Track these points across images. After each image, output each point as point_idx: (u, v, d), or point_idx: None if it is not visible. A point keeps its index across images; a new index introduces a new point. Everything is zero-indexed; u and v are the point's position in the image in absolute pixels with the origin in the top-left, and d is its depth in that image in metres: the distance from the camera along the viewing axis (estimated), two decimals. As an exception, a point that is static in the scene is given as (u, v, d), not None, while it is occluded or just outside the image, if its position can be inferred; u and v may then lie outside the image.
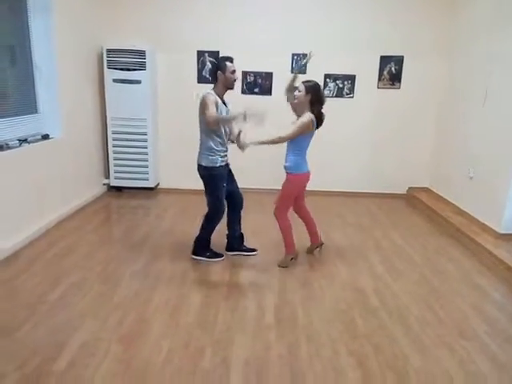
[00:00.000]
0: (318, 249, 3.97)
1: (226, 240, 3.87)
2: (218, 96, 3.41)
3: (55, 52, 4.35)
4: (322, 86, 3.40)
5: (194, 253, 3.75)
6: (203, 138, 3.47)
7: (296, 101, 3.39)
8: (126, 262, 3.64)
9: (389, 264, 3.80)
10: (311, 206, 5.41)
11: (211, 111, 3.26)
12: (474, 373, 2.39)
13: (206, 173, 3.50)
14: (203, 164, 3.48)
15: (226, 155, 3.56)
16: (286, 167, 3.52)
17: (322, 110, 3.40)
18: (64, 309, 2.88)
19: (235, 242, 3.86)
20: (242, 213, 3.83)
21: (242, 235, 3.89)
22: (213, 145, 3.43)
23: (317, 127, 3.40)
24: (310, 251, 3.95)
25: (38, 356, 2.39)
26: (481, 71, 4.66)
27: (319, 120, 3.38)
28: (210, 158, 3.45)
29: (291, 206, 3.67)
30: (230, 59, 3.45)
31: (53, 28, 4.28)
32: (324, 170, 5.88)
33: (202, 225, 3.70)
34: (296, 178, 3.51)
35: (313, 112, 3.33)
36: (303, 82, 3.40)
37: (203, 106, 3.32)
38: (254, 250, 3.91)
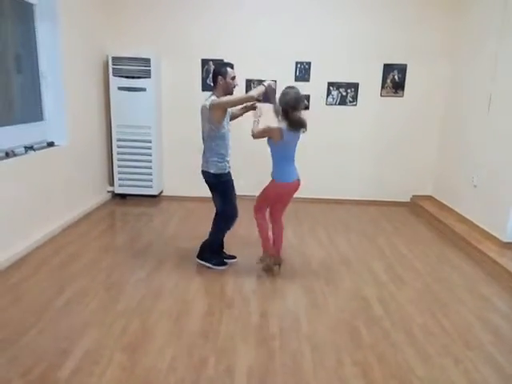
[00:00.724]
0: (276, 266, 3.72)
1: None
2: None
3: (61, 60, 4.40)
4: (298, 92, 3.31)
5: (201, 257, 3.76)
6: (211, 145, 3.43)
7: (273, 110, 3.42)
8: (130, 270, 3.65)
9: (392, 272, 3.79)
10: (315, 214, 5.43)
11: (228, 97, 3.35)
12: (478, 383, 2.38)
13: (215, 180, 3.48)
14: (212, 171, 3.45)
15: (229, 160, 3.57)
16: (271, 174, 3.56)
17: (297, 114, 3.31)
18: (69, 316, 2.89)
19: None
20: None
21: (222, 242, 3.88)
22: (222, 150, 3.44)
23: (298, 130, 3.35)
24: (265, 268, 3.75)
25: (43, 363, 2.40)
26: (484, 78, 4.67)
27: (298, 125, 3.32)
28: (220, 164, 3.45)
29: (265, 209, 3.65)
30: (231, 65, 3.48)
31: (58, 36, 4.33)
32: (328, 178, 5.90)
33: (213, 230, 3.71)
34: (276, 184, 3.49)
35: (287, 118, 3.30)
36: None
37: (219, 105, 3.31)
38: (233, 257, 3.91)
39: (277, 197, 3.57)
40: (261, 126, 3.37)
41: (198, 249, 3.80)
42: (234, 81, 3.44)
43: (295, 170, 3.50)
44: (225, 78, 3.38)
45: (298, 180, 3.51)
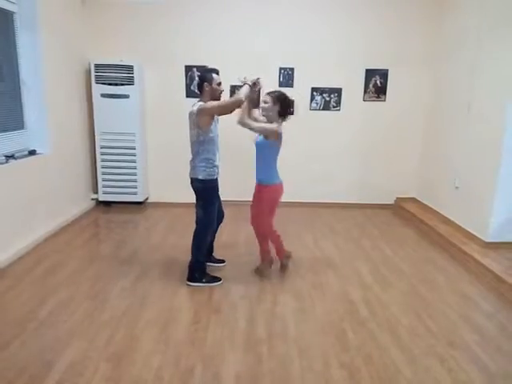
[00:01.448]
0: (289, 260, 3.83)
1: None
2: None
3: (42, 68, 4.36)
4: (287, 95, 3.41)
5: (190, 279, 3.53)
6: (199, 150, 3.35)
7: (264, 113, 3.41)
8: (115, 278, 3.60)
9: (378, 274, 3.82)
10: (301, 218, 5.45)
11: (223, 101, 3.39)
12: (464, 382, 2.41)
13: (202, 186, 3.40)
14: (200, 177, 3.37)
15: (218, 167, 3.50)
16: (259, 180, 3.50)
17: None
18: (52, 326, 2.84)
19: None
20: (222, 226, 3.82)
21: (212, 247, 3.87)
22: (210, 155, 3.37)
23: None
24: (282, 268, 3.82)
25: (26, 375, 2.35)
26: (464, 82, 4.76)
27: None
28: (208, 170, 3.38)
29: (273, 220, 3.61)
30: (216, 71, 3.47)
31: (39, 44, 4.29)
32: (312, 182, 5.93)
33: (194, 246, 3.52)
34: (275, 188, 3.48)
35: (283, 121, 3.37)
36: (269, 93, 3.39)
37: (209, 110, 3.27)
38: (222, 262, 3.91)
39: (275, 203, 3.53)
40: (262, 124, 3.35)
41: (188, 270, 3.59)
42: (220, 86, 3.44)
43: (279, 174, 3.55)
44: (211, 84, 3.37)
45: (282, 183, 3.55)
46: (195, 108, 3.31)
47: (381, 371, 2.47)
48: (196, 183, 3.42)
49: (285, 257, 3.78)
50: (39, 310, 3.03)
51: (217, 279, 3.58)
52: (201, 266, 3.57)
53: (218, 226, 3.77)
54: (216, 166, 3.44)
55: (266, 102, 3.37)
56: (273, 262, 3.78)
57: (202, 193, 3.44)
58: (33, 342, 2.66)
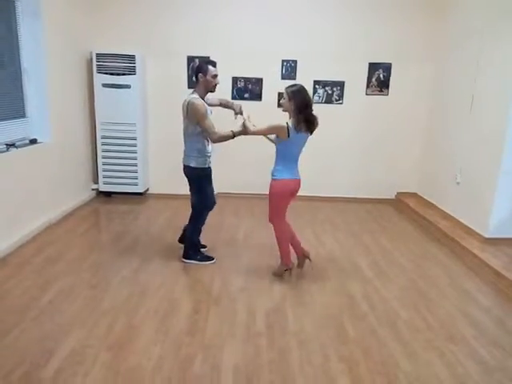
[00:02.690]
0: (304, 261, 3.71)
1: (182, 232, 3.94)
2: (201, 98, 3.43)
3: (44, 56, 4.33)
4: (307, 89, 3.26)
5: (185, 256, 3.76)
6: (192, 141, 3.47)
7: (282, 109, 3.31)
8: (116, 268, 3.61)
9: (378, 269, 3.83)
10: (301, 211, 5.45)
11: (210, 126, 3.34)
12: (462, 376, 2.42)
13: (194, 173, 3.54)
14: (192, 165, 3.50)
15: (211, 156, 3.60)
16: (271, 173, 3.44)
17: (314, 113, 3.26)
18: (53, 315, 2.85)
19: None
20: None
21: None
22: (202, 146, 3.48)
23: (311, 132, 3.29)
24: (299, 266, 3.71)
25: (26, 363, 2.36)
26: (467, 77, 4.74)
27: (311, 124, 3.24)
28: (200, 159, 3.50)
29: (284, 213, 3.52)
30: (213, 63, 3.47)
31: (41, 32, 4.26)
32: (314, 176, 5.90)
33: (190, 228, 3.74)
34: (278, 183, 3.37)
35: (298, 117, 3.19)
36: (286, 88, 3.25)
37: (196, 114, 3.32)
38: (204, 247, 3.96)
39: (285, 197, 3.42)
40: (262, 125, 3.28)
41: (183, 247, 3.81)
42: (216, 79, 3.44)
43: (297, 171, 3.44)
44: (205, 75, 3.39)
45: (299, 180, 3.45)
46: (187, 100, 3.36)
47: (379, 365, 2.48)
48: (188, 170, 3.55)
49: (302, 256, 3.67)
50: (40, 298, 3.04)
51: (210, 258, 3.78)
52: (195, 246, 3.79)
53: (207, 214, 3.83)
54: (207, 156, 3.54)
55: (283, 98, 3.26)
56: (290, 266, 3.59)
57: (194, 179, 3.58)
58: (33, 331, 2.67)
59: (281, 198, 3.43)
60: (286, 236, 3.52)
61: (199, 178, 3.58)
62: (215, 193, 3.77)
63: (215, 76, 3.42)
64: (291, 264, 3.59)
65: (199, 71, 3.41)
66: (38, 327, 2.71)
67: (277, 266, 3.63)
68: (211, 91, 3.48)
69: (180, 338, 2.66)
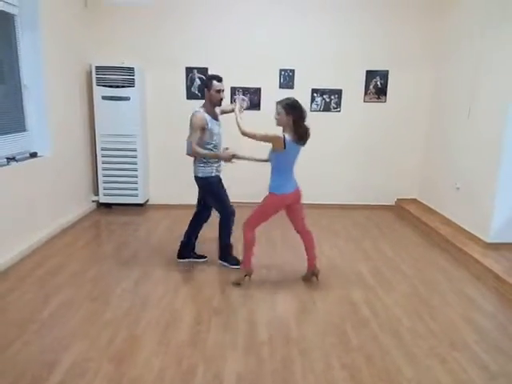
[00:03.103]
0: (313, 277, 3.65)
1: (179, 247, 3.97)
2: (208, 112, 3.50)
3: (43, 70, 4.37)
4: (298, 101, 3.28)
5: (224, 258, 3.91)
6: None
7: (277, 123, 3.27)
8: (117, 280, 3.61)
9: (379, 275, 3.82)
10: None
11: (194, 139, 3.44)
12: (465, 383, 2.40)
13: (203, 182, 3.66)
14: (199, 175, 3.63)
15: (219, 165, 3.68)
16: (270, 187, 3.40)
17: (306, 124, 3.28)
18: (54, 327, 2.85)
19: (185, 250, 3.96)
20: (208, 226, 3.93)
21: (194, 244, 3.99)
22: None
23: (305, 143, 3.32)
24: (305, 279, 3.66)
25: (28, 376, 2.35)
26: (465, 83, 4.77)
27: (308, 136, 3.28)
28: (207, 169, 3.60)
29: (262, 223, 3.50)
30: (218, 78, 3.54)
31: (41, 46, 4.31)
32: (313, 184, 5.91)
33: (224, 233, 3.83)
34: (276, 197, 3.37)
35: (297, 131, 3.20)
36: (279, 103, 3.22)
37: (190, 124, 3.47)
38: (203, 257, 4.00)
39: (275, 211, 3.43)
40: (260, 131, 3.24)
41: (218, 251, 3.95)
42: (220, 94, 3.51)
43: (293, 181, 3.44)
44: (209, 90, 3.50)
45: (298, 188, 3.46)
46: (192, 112, 3.49)
47: (382, 372, 2.47)
48: (197, 180, 3.69)
49: (312, 272, 3.63)
50: (41, 311, 3.04)
51: (203, 257, 3.98)
52: (228, 248, 3.90)
53: (201, 226, 3.93)
54: (213, 166, 3.61)
55: (278, 113, 3.22)
56: (250, 272, 3.58)
57: (204, 189, 3.70)
58: (35, 343, 2.66)
59: (274, 210, 3.44)
60: (253, 243, 3.51)
61: (208, 187, 3.67)
62: None
63: (219, 91, 3.50)
64: (251, 270, 3.58)
65: (205, 86, 3.53)
66: (40, 340, 2.70)
67: (276, 274, 3.63)
68: (216, 105, 3.57)
69: (182, 349, 2.65)
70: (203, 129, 3.48)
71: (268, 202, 3.41)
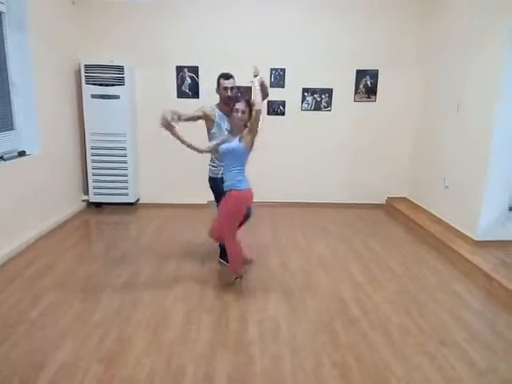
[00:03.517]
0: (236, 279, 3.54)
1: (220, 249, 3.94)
2: (220, 109, 3.57)
3: (31, 68, 4.33)
4: None
5: (222, 257, 3.91)
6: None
7: (240, 123, 3.20)
8: (107, 279, 3.59)
9: (369, 273, 3.85)
10: (292, 218, 5.47)
11: (185, 112, 3.31)
12: (454, 379, 2.43)
13: (210, 183, 3.72)
14: (209, 174, 3.70)
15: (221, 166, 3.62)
16: (233, 184, 3.26)
17: None
18: (43, 328, 2.82)
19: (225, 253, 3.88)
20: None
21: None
22: (213, 157, 3.63)
23: None
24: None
25: (16, 377, 2.33)
26: (454, 83, 4.81)
27: None
28: (213, 169, 3.66)
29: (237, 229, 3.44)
30: (226, 76, 3.57)
31: (29, 44, 4.27)
32: (304, 182, 5.95)
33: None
34: (244, 192, 3.28)
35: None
36: (240, 99, 3.24)
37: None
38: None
39: (245, 208, 3.37)
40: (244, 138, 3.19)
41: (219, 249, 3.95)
42: (228, 91, 3.52)
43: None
44: (218, 88, 3.58)
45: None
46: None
47: (372, 370, 2.49)
48: (209, 181, 3.73)
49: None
50: (30, 311, 3.01)
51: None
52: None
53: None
54: (218, 167, 3.58)
55: (243, 112, 3.17)
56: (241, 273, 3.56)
57: (213, 189, 3.70)
58: (23, 344, 2.64)
59: (241, 210, 3.33)
60: (239, 248, 3.47)
61: (214, 188, 3.67)
62: (208, 201, 3.78)
63: (226, 88, 3.52)
64: (242, 273, 3.55)
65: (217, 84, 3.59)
66: (29, 341, 2.68)
67: (267, 273, 3.63)
68: (226, 104, 3.52)
69: (172, 348, 2.65)
70: (211, 120, 3.53)
71: (235, 201, 3.28)
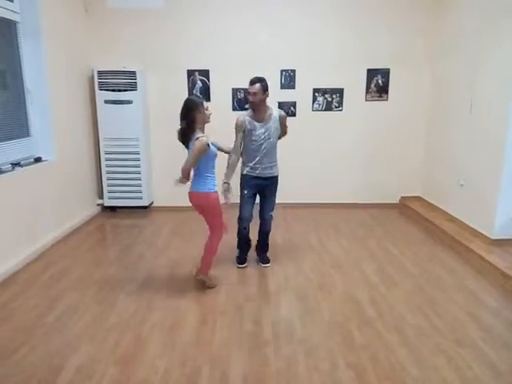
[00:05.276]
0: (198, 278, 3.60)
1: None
2: (250, 115, 3.73)
3: (46, 75, 4.41)
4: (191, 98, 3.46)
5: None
6: None
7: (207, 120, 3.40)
8: (122, 282, 3.63)
9: (384, 274, 3.82)
10: (305, 219, 5.45)
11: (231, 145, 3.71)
12: (471, 380, 2.40)
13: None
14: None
15: (255, 167, 3.77)
16: (208, 188, 3.41)
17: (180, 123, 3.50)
18: (60, 331, 2.87)
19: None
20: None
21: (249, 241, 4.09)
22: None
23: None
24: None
25: (35, 380, 2.38)
26: (466, 79, 4.75)
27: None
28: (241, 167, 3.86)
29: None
30: (251, 81, 3.72)
31: (43, 52, 4.35)
32: (317, 183, 5.94)
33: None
34: (215, 194, 3.41)
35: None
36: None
37: None
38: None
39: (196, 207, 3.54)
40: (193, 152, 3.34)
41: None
42: (251, 96, 3.68)
43: None
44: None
45: None
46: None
47: (387, 371, 2.47)
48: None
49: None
50: (47, 315, 3.07)
51: (242, 262, 4.02)
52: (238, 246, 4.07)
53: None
54: (248, 165, 3.79)
55: (255, 94, 3.57)
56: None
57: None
58: (41, 348, 2.68)
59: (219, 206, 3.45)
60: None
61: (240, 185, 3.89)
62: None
63: (249, 93, 3.68)
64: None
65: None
66: (46, 344, 2.73)
67: (280, 275, 3.63)
68: (253, 109, 3.72)
69: (187, 350, 2.67)
70: (243, 131, 3.70)
71: (216, 201, 3.41)
